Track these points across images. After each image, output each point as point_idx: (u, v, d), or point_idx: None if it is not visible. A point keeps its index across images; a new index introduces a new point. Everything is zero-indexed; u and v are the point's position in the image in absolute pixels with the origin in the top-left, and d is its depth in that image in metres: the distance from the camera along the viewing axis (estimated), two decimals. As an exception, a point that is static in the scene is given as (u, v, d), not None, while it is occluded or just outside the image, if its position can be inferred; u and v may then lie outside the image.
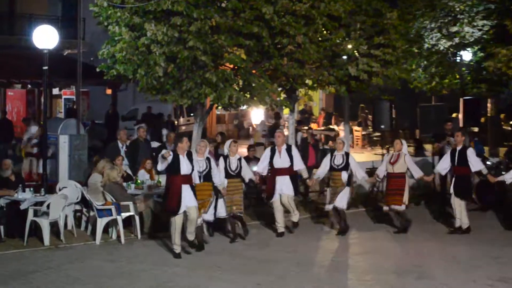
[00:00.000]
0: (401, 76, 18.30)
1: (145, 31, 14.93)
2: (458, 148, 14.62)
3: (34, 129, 19.06)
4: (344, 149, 14.68)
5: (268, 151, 14.58)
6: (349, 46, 17.17)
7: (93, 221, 13.96)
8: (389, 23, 17.33)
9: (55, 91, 29.93)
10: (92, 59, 24.83)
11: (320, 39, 16.57)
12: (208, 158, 13.09)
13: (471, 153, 14.58)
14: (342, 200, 14.43)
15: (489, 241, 13.98)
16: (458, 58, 23.95)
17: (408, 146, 16.25)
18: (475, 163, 14.56)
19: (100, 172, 13.97)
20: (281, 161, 14.22)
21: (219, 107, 17.67)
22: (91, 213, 14.02)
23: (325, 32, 16.74)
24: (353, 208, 16.64)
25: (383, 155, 18.03)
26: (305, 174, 14.79)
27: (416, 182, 17.14)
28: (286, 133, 18.00)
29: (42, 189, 14.11)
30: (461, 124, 20.05)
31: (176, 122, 29.26)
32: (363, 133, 30.16)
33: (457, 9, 22.73)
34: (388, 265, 12.29)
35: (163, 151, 12.29)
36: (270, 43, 15.69)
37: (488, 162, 17.54)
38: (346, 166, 14.52)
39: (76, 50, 18.70)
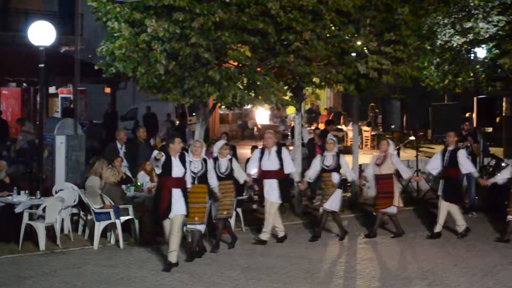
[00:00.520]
0: (413, 74, 18.03)
1: (146, 27, 14.70)
2: (450, 148, 14.46)
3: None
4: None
5: (257, 152, 14.23)
6: (359, 43, 16.88)
7: (90, 225, 13.83)
8: (400, 18, 17.02)
9: (52, 89, 29.56)
10: (90, 56, 24.42)
11: (328, 35, 16.27)
12: (204, 159, 12.71)
13: (461, 154, 14.44)
14: (332, 202, 13.98)
15: (505, 245, 13.74)
16: (472, 55, 23.68)
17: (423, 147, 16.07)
18: (465, 165, 14.40)
19: (96, 173, 13.82)
20: (269, 163, 13.78)
21: (223, 107, 17.54)
22: (89, 217, 13.86)
23: (333, 28, 16.46)
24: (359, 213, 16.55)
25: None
26: (297, 178, 14.37)
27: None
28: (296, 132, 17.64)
29: (38, 191, 13.89)
30: (474, 124, 19.70)
31: (177, 122, 28.88)
32: (373, 133, 29.93)
33: (472, 4, 22.39)
34: (397, 271, 12.12)
35: (155, 153, 11.92)
36: (276, 39, 15.42)
37: (502, 164, 17.28)
38: (337, 167, 14.14)
39: (74, 47, 18.63)
